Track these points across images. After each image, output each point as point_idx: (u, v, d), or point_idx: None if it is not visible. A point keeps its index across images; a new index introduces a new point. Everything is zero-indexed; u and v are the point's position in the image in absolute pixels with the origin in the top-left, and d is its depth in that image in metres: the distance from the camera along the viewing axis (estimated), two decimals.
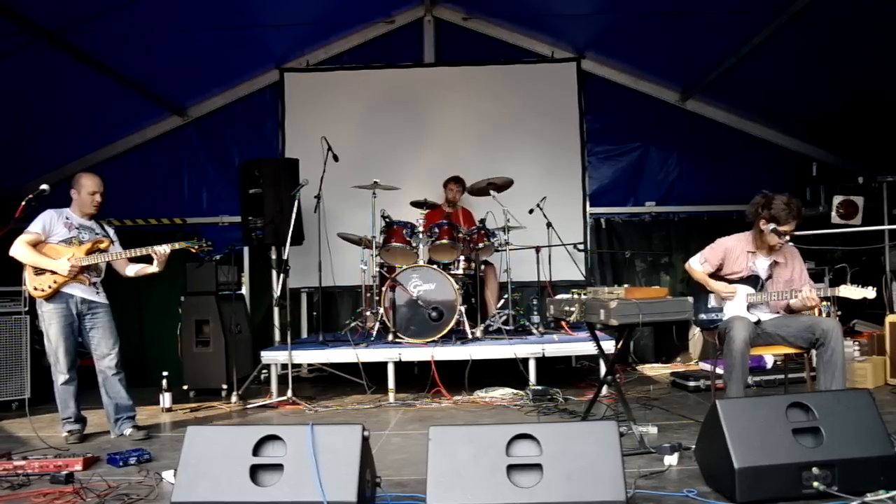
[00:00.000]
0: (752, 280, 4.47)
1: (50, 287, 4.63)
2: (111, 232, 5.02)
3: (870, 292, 4.15)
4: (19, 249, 4.64)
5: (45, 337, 4.74)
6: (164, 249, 4.69)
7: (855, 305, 4.78)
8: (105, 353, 4.79)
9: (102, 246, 4.81)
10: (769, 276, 4.50)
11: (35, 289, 4.65)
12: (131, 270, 4.94)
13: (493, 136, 8.02)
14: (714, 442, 3.08)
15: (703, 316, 4.58)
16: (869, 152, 7.24)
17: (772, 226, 4.32)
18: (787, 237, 4.38)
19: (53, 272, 4.62)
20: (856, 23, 5.51)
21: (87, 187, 4.84)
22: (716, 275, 4.58)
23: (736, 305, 4.46)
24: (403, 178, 7.39)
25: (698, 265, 4.63)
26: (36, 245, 4.66)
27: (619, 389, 4.48)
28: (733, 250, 4.53)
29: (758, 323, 4.38)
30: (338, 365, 6.21)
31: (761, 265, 4.51)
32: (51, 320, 4.66)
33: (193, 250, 4.86)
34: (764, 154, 7.98)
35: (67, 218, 4.81)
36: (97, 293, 4.84)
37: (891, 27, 5.41)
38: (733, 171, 7.97)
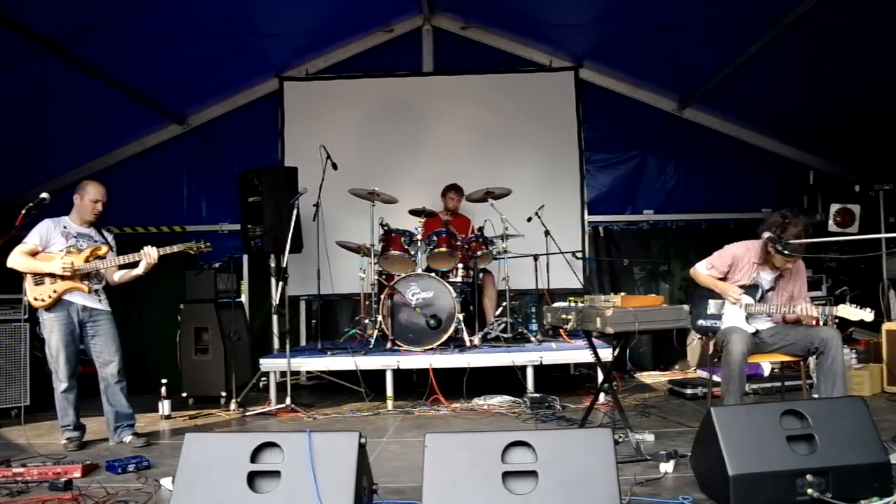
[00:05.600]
0: (753, 289, 4.45)
1: (50, 297, 4.65)
2: (110, 238, 5.05)
3: (867, 315, 4.10)
4: (15, 259, 4.66)
5: (45, 344, 4.76)
6: (153, 251, 4.73)
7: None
8: (108, 361, 4.81)
9: (101, 253, 4.83)
10: (772, 288, 4.49)
11: (35, 299, 4.68)
12: (117, 276, 4.94)
13: (492, 145, 8.04)
14: (709, 449, 3.10)
15: (701, 322, 4.57)
16: (865, 160, 7.27)
17: (780, 258, 4.28)
18: (789, 264, 4.37)
19: (52, 276, 4.65)
20: (849, 32, 5.55)
21: (91, 194, 4.87)
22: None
23: (735, 315, 4.45)
24: (402, 186, 7.41)
25: (705, 270, 4.61)
26: (33, 255, 4.69)
27: (616, 397, 4.49)
28: (741, 259, 4.50)
29: (755, 333, 4.38)
30: (336, 372, 6.22)
31: (766, 277, 4.49)
32: (51, 328, 4.69)
33: (192, 251, 4.88)
34: (761, 162, 8.01)
35: (65, 227, 4.83)
36: (99, 301, 4.86)
37: (883, 37, 5.45)
38: (731, 179, 8.01)
